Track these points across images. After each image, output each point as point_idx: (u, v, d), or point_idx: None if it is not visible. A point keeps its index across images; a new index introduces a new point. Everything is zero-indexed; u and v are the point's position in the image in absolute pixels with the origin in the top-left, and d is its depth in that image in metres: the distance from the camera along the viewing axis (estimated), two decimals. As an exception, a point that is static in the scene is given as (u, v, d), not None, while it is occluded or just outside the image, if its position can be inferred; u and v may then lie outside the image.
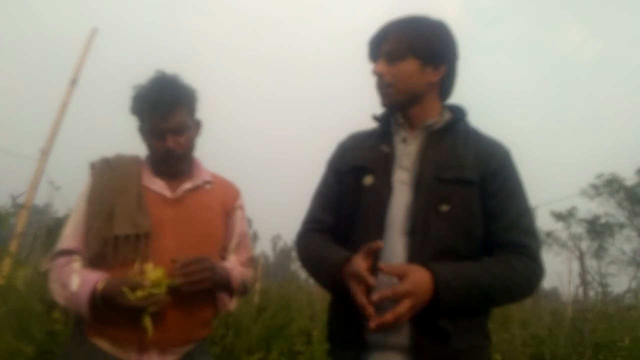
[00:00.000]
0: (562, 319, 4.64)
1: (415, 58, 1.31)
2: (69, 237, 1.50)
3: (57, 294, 1.43)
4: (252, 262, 1.76)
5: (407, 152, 1.34)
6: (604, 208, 26.90)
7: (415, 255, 1.22)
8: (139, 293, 1.32)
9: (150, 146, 1.57)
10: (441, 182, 1.26)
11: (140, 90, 1.53)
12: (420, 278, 1.13)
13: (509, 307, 4.61)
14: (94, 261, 1.44)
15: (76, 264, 1.45)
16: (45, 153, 3.45)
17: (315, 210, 1.46)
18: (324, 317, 1.58)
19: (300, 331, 4.46)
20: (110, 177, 1.55)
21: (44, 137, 3.49)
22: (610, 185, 26.52)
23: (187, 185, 1.59)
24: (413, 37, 1.32)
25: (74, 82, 3.63)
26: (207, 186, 1.65)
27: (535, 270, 1.25)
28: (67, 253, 1.48)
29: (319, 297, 6.66)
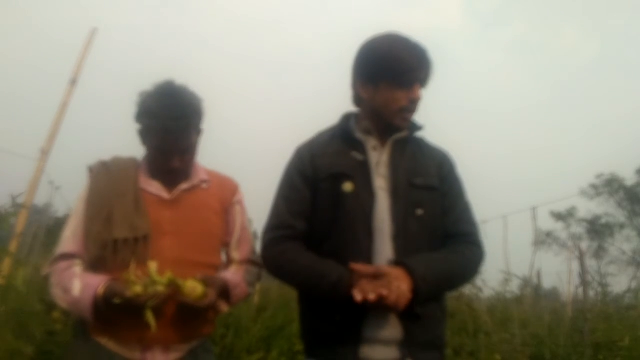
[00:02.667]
0: (562, 319, 4.64)
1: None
2: (68, 240, 1.50)
3: (60, 299, 1.43)
4: (255, 254, 1.71)
5: (382, 160, 1.43)
6: (604, 208, 26.90)
7: (400, 257, 1.32)
8: (137, 289, 1.33)
9: (155, 160, 1.55)
10: (414, 188, 1.39)
11: (149, 102, 1.48)
12: (397, 275, 1.24)
13: (509, 307, 4.62)
14: (94, 264, 1.45)
15: (77, 268, 1.45)
16: (45, 153, 3.45)
17: (283, 216, 1.43)
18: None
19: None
20: (107, 180, 1.55)
21: (44, 137, 3.49)
22: (610, 185, 26.51)
23: (184, 185, 1.59)
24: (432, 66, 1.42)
25: (73, 82, 3.62)
26: (204, 185, 1.64)
27: (480, 254, 1.46)
28: (68, 257, 1.48)
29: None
